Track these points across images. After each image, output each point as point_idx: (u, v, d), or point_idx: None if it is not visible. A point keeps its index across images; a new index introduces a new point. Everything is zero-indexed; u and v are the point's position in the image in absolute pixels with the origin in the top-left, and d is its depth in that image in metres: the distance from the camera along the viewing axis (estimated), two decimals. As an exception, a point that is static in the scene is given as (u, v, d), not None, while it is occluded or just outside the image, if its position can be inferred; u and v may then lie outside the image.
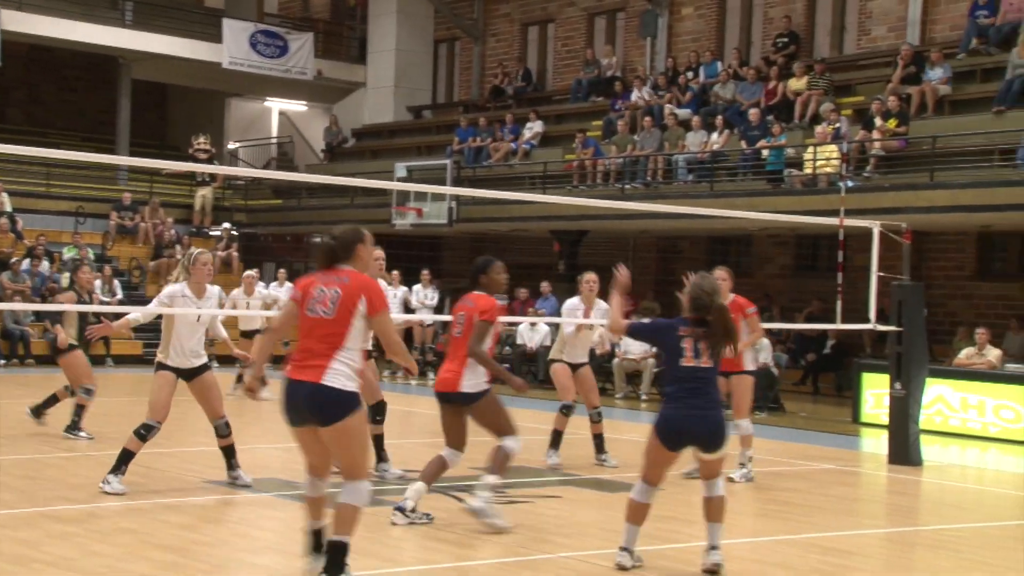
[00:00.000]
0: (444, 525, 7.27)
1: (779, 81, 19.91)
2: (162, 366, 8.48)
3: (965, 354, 15.26)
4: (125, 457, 8.33)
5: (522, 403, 16.33)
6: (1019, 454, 13.26)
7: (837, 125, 17.78)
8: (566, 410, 10.26)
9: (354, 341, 5.71)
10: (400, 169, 22.40)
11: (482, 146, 23.53)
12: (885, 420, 12.21)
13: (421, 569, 6.61)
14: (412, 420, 14.31)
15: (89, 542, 6.79)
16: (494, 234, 22.43)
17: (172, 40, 26.14)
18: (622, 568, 6.50)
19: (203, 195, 25.75)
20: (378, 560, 6.62)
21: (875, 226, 11.83)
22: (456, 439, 7.60)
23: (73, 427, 11.10)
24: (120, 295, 21.01)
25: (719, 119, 19.63)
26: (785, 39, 21.28)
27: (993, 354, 14.98)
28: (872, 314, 11.97)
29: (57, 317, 11.56)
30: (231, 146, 30.07)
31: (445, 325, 19.66)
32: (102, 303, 18.88)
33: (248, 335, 15.53)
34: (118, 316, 9.26)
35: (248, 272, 16.70)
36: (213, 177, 25.66)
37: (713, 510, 6.54)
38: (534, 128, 23.05)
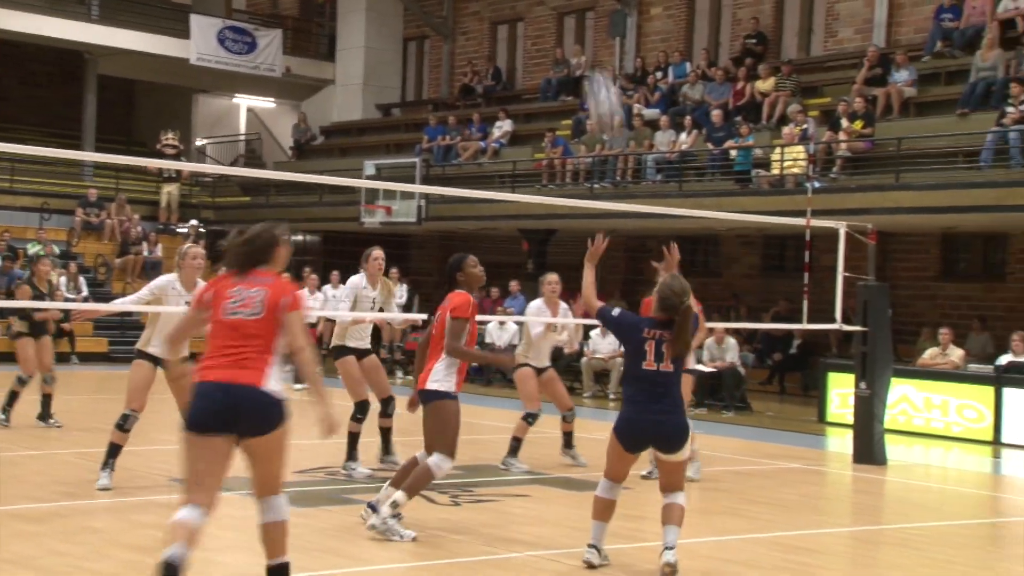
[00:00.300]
0: (409, 524, 7.26)
1: (747, 82, 20.02)
2: (142, 354, 8.45)
3: (929, 354, 15.40)
4: (112, 451, 8.34)
5: (488, 403, 16.35)
6: (982, 453, 13.41)
7: (804, 126, 17.89)
8: (530, 419, 10.13)
9: (280, 345, 5.34)
10: (369, 167, 22.35)
11: (451, 144, 23.51)
12: (850, 419, 12.31)
13: (387, 568, 6.61)
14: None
15: (53, 541, 6.73)
16: (463, 233, 22.42)
17: (139, 35, 25.93)
18: (590, 566, 6.52)
19: (169, 192, 25.58)
20: (345, 559, 6.61)
21: (841, 227, 11.92)
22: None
23: (43, 416, 11.28)
24: (85, 292, 20.82)
25: (687, 119, 19.72)
26: (753, 40, 21.40)
27: (956, 354, 15.12)
28: (838, 314, 12.06)
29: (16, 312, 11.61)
30: (199, 143, 29.88)
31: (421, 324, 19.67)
32: (66, 299, 18.74)
33: None
34: (66, 313, 9.28)
35: None
36: (179, 173, 25.50)
37: (671, 514, 6.49)
38: (503, 127, 23.05)
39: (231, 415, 5.18)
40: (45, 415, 11.56)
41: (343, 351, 9.48)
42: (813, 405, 16.20)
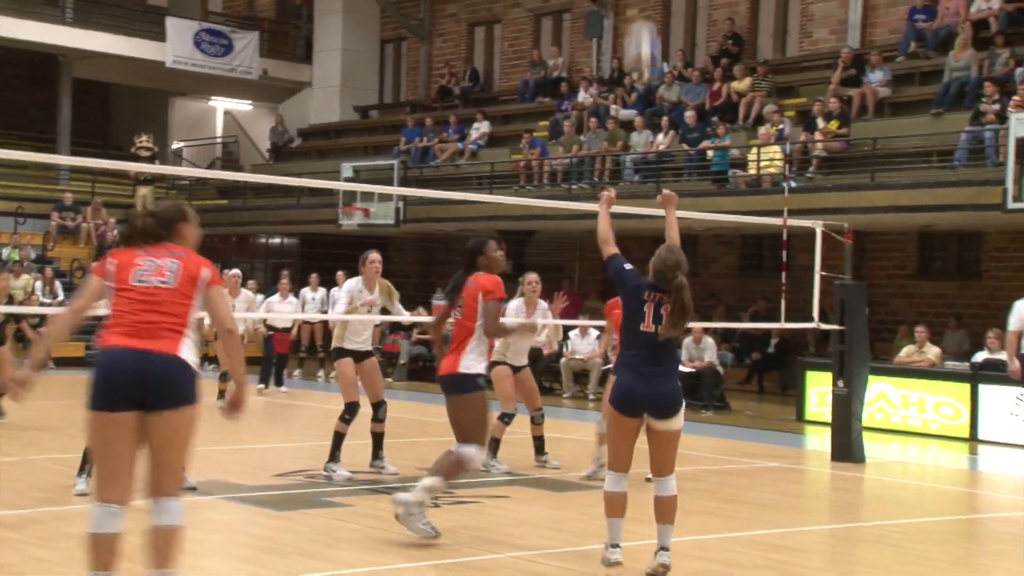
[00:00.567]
0: (391, 526, 7.25)
1: (723, 83, 20.09)
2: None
3: (906, 352, 15.50)
4: (88, 457, 8.26)
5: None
6: (958, 450, 13.49)
7: (780, 126, 17.98)
8: (507, 418, 10.14)
9: (194, 319, 5.00)
10: (347, 169, 22.31)
11: (429, 146, 23.50)
12: (828, 418, 12.36)
13: (367, 571, 6.59)
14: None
15: (30, 548, 6.69)
16: (441, 234, 22.40)
17: (114, 38, 25.80)
18: (616, 564, 6.41)
19: (143, 194, 25.40)
20: (323, 562, 6.60)
21: (818, 226, 11.97)
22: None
23: None
24: (62, 296, 20.71)
25: (664, 120, 19.77)
26: (729, 41, 21.48)
27: (933, 352, 15.22)
28: (815, 313, 12.11)
29: None
30: (175, 146, 29.75)
31: (394, 326, 19.64)
32: (41, 304, 18.63)
33: None
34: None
35: (233, 272, 16.15)
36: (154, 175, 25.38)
37: (664, 510, 6.44)
38: (481, 128, 23.06)
39: (141, 383, 4.80)
40: None
41: (341, 353, 9.54)
42: (791, 404, 16.27)
